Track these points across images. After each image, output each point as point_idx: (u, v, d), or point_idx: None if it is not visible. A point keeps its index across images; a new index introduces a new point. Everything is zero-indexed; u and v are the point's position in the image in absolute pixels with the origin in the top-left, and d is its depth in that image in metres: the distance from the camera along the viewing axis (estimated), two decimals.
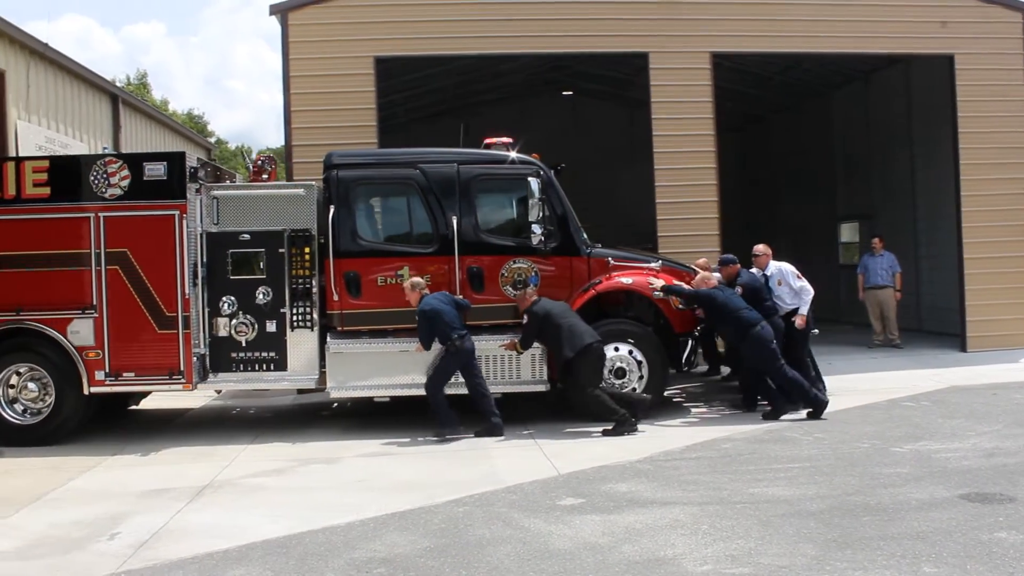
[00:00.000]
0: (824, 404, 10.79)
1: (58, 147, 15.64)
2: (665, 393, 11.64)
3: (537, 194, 10.69)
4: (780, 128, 25.00)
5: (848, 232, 22.47)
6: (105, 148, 16.14)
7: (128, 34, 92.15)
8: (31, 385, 10.74)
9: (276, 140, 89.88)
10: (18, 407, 10.79)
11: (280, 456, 9.81)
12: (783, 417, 10.71)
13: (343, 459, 9.57)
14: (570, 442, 10.07)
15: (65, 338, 10.61)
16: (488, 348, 10.83)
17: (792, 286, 11.51)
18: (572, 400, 10.79)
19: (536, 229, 10.76)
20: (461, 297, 10.78)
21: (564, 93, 25.08)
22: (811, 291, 11.51)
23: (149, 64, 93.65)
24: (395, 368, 10.83)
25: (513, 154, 11.39)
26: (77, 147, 16.55)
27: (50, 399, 10.74)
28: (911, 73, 18.60)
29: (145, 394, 12.13)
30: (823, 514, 6.92)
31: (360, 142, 12.66)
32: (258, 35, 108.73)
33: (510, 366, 10.93)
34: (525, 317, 10.55)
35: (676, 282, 11.17)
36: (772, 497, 7.48)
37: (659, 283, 11.04)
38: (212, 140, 32.20)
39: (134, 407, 12.49)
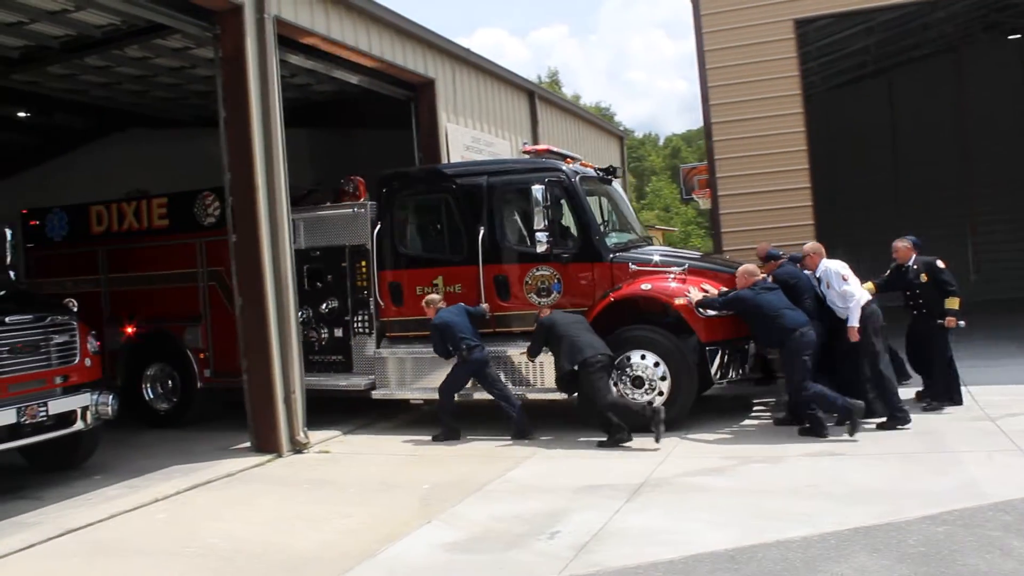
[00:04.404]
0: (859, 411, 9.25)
1: (483, 145, 16.32)
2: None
3: (542, 201, 10.54)
4: None
5: None
6: (525, 143, 16.59)
7: (534, 39, 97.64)
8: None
9: (679, 126, 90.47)
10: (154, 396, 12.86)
11: (715, 452, 9.19)
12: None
13: (786, 459, 8.71)
14: None
15: (183, 341, 12.47)
16: (514, 355, 11.10)
17: (836, 289, 9.99)
18: (579, 411, 10.44)
19: (541, 237, 10.65)
20: (481, 307, 11.10)
21: (1010, 37, 21.99)
22: (855, 295, 9.86)
23: (554, 65, 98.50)
24: (431, 372, 11.32)
25: (537, 160, 11.63)
26: (500, 144, 17.20)
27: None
28: None
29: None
30: None
31: (784, 113, 11.72)
32: (653, 24, 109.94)
33: (535, 373, 10.98)
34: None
35: (705, 287, 10.35)
36: None
37: (696, 294, 10.21)
38: (621, 130, 32.43)
39: None
